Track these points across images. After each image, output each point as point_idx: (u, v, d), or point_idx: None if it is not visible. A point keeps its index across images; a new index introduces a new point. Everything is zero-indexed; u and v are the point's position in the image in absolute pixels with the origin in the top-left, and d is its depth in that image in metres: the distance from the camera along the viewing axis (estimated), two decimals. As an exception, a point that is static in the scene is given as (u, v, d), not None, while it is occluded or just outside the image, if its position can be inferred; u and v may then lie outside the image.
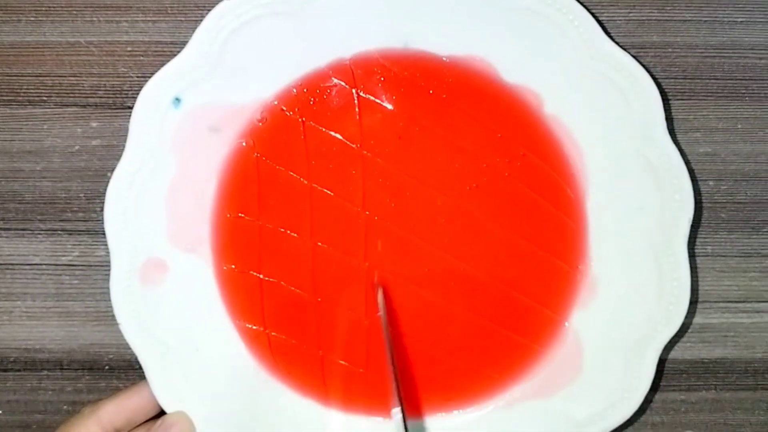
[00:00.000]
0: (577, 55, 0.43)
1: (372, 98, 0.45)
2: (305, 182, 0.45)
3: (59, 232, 0.48)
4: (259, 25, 0.43)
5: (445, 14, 0.44)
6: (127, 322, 0.44)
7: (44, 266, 0.49)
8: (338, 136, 0.45)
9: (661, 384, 0.49)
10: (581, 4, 0.43)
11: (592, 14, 0.44)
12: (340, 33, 0.44)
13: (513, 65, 0.45)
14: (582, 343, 0.46)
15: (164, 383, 0.44)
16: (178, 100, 0.43)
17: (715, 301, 0.49)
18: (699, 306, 0.49)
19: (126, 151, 0.43)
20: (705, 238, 0.49)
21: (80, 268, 0.49)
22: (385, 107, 0.45)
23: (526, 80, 0.45)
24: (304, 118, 0.45)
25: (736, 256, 0.49)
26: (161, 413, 0.44)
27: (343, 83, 0.45)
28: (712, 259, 0.49)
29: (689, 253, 0.44)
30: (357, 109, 0.45)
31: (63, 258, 0.49)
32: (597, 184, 0.45)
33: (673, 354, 0.49)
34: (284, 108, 0.45)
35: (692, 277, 0.45)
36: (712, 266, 0.49)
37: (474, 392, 0.47)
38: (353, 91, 0.45)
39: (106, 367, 0.49)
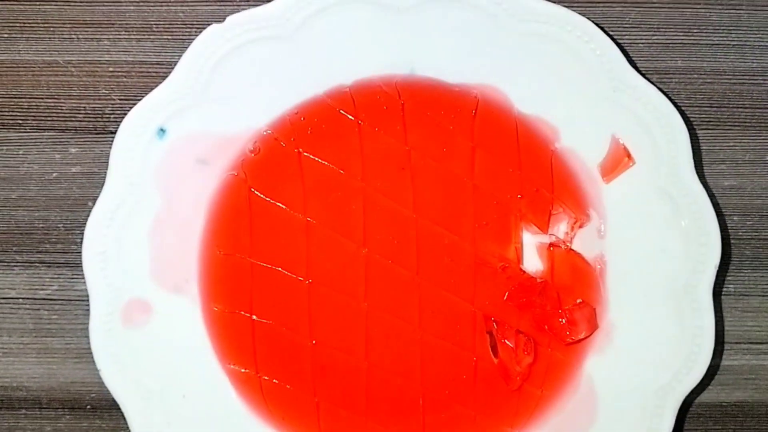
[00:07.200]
0: (598, 86, 0.42)
1: (374, 128, 0.44)
2: (301, 217, 0.44)
3: (37, 264, 0.47)
4: (251, 49, 0.42)
5: (455, 39, 0.42)
6: (107, 367, 0.43)
7: (21, 300, 0.47)
8: (337, 168, 0.44)
9: (677, 428, 0.47)
10: (601, 29, 0.42)
11: (614, 39, 0.42)
12: (339, 58, 0.43)
13: (528, 95, 0.43)
14: (596, 390, 0.44)
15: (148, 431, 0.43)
16: (162, 130, 0.42)
17: (736, 342, 0.47)
18: (719, 347, 0.47)
19: (106, 185, 0.42)
20: (728, 276, 0.47)
21: (59, 302, 0.47)
22: (388, 138, 0.44)
23: (542, 111, 0.43)
24: (300, 149, 0.44)
25: (759, 296, 0.47)
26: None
27: (343, 112, 0.43)
28: (735, 299, 0.47)
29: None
30: (358, 140, 0.44)
31: (41, 292, 0.47)
32: (615, 223, 0.44)
33: (690, 397, 0.46)
34: (279, 138, 0.43)
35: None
36: (734, 306, 0.47)
37: (483, 439, 0.45)
38: (354, 120, 0.43)
39: (88, 407, 0.47)
